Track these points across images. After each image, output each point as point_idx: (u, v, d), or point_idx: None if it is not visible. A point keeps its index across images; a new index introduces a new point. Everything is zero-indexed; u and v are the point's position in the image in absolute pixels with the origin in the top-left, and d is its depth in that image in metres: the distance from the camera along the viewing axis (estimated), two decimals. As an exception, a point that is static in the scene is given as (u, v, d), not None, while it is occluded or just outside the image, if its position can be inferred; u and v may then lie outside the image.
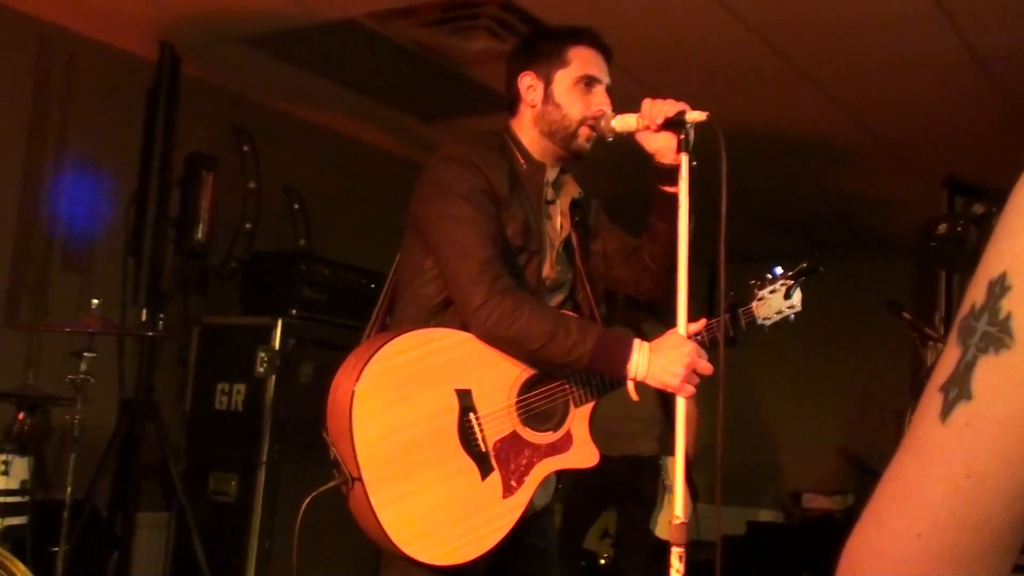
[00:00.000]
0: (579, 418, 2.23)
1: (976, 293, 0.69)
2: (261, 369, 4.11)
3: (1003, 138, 4.48)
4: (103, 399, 3.92)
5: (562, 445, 2.21)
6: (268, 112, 4.99)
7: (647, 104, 2.13)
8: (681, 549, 1.75)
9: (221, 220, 4.32)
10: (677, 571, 1.73)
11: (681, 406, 1.95)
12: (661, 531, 4.24)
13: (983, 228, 3.47)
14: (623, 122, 2.18)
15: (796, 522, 6.74)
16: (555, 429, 2.20)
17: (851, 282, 6.04)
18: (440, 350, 2.12)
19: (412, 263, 2.25)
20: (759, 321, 2.27)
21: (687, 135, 2.06)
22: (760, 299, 2.26)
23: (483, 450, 2.10)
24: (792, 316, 2.28)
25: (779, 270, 2.28)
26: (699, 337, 2.17)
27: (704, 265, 2.60)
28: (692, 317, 2.10)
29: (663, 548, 4.12)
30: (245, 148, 4.60)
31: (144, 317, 3.95)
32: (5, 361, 3.93)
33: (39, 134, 4.16)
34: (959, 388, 0.68)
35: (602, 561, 5.05)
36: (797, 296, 2.27)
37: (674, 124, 2.07)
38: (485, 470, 2.10)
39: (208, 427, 4.29)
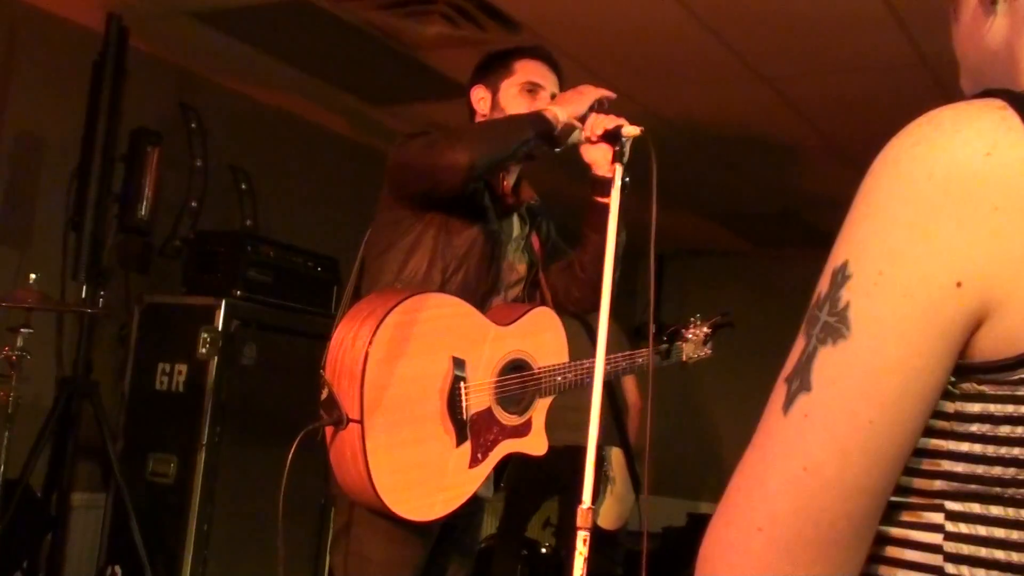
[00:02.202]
0: (540, 409, 2.38)
1: (822, 283, 0.69)
2: (203, 350, 4.05)
3: (949, 141, 4.54)
4: (40, 376, 3.84)
5: (523, 430, 2.35)
6: (217, 89, 4.90)
7: (591, 117, 2.26)
8: (586, 533, 1.81)
9: (166, 198, 4.24)
10: (581, 553, 1.79)
11: (597, 401, 2.01)
12: (603, 520, 4.26)
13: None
14: None
15: (736, 514, 6.80)
16: (520, 414, 2.34)
17: (799, 280, 6.08)
18: (449, 316, 2.23)
19: (383, 239, 2.34)
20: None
21: (622, 148, 2.15)
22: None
23: (463, 419, 2.21)
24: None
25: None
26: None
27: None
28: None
29: (606, 537, 4.17)
30: (192, 125, 4.52)
31: (84, 294, 3.86)
32: (-62, 335, 3.84)
33: (-21, 104, 4.05)
34: (800, 379, 0.68)
35: (544, 550, 5.06)
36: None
37: (611, 137, 2.18)
38: (461, 438, 2.21)
39: (148, 408, 4.22)
